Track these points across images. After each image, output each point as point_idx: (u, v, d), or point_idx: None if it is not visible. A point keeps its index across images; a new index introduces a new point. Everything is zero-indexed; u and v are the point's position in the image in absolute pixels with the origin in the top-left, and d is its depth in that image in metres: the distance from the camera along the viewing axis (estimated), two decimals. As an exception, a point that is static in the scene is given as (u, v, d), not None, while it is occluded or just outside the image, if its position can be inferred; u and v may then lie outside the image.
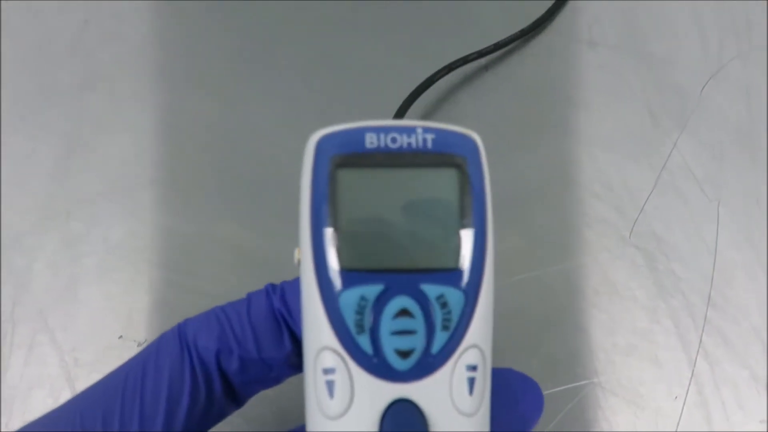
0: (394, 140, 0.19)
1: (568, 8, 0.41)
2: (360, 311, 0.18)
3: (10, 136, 0.36)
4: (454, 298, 0.19)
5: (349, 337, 0.18)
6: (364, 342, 0.18)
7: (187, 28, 0.39)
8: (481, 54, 0.38)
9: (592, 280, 0.34)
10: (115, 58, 0.38)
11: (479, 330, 0.19)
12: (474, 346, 0.19)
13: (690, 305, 0.34)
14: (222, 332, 0.22)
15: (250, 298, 0.23)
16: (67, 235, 0.34)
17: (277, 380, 0.23)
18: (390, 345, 0.18)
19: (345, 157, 0.19)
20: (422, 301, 0.19)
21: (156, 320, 0.32)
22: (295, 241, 0.20)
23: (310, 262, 0.19)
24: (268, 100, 0.37)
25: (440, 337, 0.19)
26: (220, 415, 0.22)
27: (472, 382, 0.19)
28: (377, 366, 0.18)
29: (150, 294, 0.33)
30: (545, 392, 0.31)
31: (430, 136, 0.20)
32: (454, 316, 0.19)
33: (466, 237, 0.19)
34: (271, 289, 0.23)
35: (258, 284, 0.24)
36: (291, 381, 0.23)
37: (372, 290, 0.18)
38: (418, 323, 0.19)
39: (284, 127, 0.36)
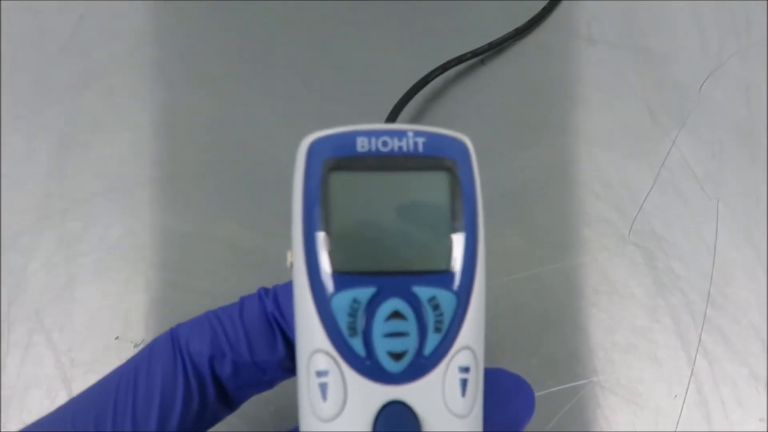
0: (385, 144, 0.19)
1: (567, 6, 0.41)
2: (352, 314, 0.18)
3: (6, 135, 0.36)
4: (446, 300, 0.19)
5: (341, 339, 0.18)
6: (357, 344, 0.18)
7: (186, 26, 0.39)
8: (475, 53, 0.38)
9: (592, 279, 0.34)
10: (113, 57, 0.38)
11: (471, 332, 0.19)
12: (466, 347, 0.19)
13: (689, 303, 0.34)
14: (215, 337, 0.22)
15: (242, 302, 0.23)
16: (64, 234, 0.34)
17: (270, 384, 0.23)
18: (382, 347, 0.18)
19: (337, 160, 0.19)
20: (414, 303, 0.19)
21: (154, 320, 0.32)
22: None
23: (303, 265, 0.19)
24: (267, 99, 0.37)
25: (432, 339, 0.19)
26: (214, 420, 0.22)
27: (464, 383, 0.19)
28: (370, 368, 0.18)
29: (148, 294, 0.33)
30: (544, 391, 0.31)
31: (420, 140, 0.20)
32: (446, 318, 0.19)
33: (458, 239, 0.19)
34: (263, 293, 0.23)
35: (257, 284, 0.24)
36: (288, 381, 0.23)
37: (364, 293, 0.18)
38: (410, 325, 0.19)
39: (283, 126, 0.36)
